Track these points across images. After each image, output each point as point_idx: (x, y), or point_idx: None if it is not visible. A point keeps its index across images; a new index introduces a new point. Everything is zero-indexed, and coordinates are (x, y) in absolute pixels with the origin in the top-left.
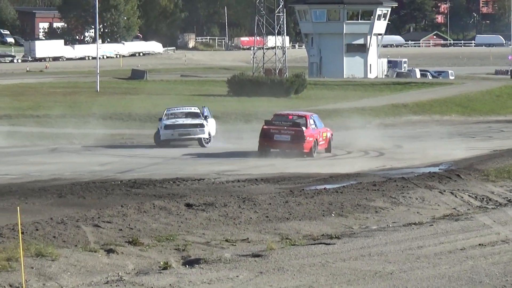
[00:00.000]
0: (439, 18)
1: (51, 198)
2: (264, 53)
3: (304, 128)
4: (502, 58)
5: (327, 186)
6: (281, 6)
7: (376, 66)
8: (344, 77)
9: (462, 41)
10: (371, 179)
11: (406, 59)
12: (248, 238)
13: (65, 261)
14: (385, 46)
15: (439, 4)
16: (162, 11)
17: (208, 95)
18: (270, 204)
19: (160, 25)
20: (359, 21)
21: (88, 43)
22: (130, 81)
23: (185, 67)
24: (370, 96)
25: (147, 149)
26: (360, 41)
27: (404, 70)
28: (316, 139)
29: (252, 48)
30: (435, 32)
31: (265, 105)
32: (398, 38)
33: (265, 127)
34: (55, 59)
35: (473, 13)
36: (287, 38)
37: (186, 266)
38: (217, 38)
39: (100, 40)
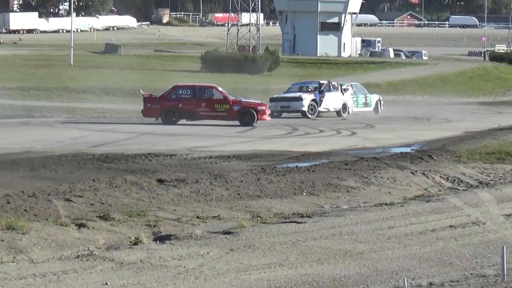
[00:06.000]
0: None
1: (23, 171)
2: (238, 30)
3: None
4: (475, 39)
5: (299, 165)
6: None
7: (350, 45)
8: (318, 55)
9: (436, 22)
10: (343, 158)
11: (380, 39)
12: (219, 215)
13: (36, 234)
14: (359, 25)
15: None
16: None
17: (182, 70)
18: (241, 181)
19: None
20: None
21: (62, 16)
22: (104, 55)
23: (159, 42)
24: (344, 75)
25: (119, 124)
26: (334, 19)
27: (378, 49)
28: None
29: (226, 25)
30: (409, 12)
31: (238, 82)
32: (372, 17)
33: None
34: (29, 31)
35: None
36: (261, 15)
37: (156, 242)
38: (191, 13)
39: (75, 13)
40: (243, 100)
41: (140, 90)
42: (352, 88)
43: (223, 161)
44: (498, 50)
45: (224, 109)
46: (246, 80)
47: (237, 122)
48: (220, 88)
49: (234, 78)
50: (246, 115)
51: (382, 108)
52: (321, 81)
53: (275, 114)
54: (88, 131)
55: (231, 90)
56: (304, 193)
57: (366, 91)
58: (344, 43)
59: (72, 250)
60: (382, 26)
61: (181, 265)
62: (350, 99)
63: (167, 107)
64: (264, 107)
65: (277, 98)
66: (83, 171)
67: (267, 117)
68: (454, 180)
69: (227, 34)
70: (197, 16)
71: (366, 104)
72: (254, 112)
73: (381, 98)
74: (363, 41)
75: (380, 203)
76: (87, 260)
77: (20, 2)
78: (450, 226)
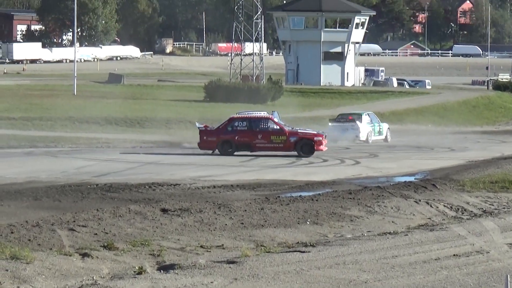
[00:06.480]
0: (417, 28)
1: (27, 201)
2: (241, 60)
3: None
4: (479, 68)
5: (303, 194)
6: (259, 12)
7: (353, 74)
8: (321, 84)
9: (440, 51)
10: (346, 187)
11: (383, 68)
12: (223, 245)
13: (40, 264)
14: (362, 54)
15: (417, 14)
16: (140, 15)
17: (185, 100)
18: (245, 210)
19: (138, 29)
20: (337, 29)
21: (65, 46)
22: (107, 85)
23: (162, 72)
24: (347, 104)
25: (123, 154)
26: (338, 49)
27: (381, 78)
28: None
29: (229, 54)
30: (412, 42)
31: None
32: (375, 47)
33: None
34: (33, 61)
35: (451, 23)
36: (264, 45)
37: (160, 272)
38: (194, 43)
39: (78, 43)
40: (299, 131)
41: (196, 123)
42: (369, 116)
43: (227, 191)
44: (502, 79)
45: (280, 140)
46: (250, 109)
47: (294, 153)
48: (276, 119)
49: (237, 107)
50: (305, 146)
51: (389, 136)
52: (266, 112)
53: None
54: (91, 160)
55: None
56: (308, 222)
57: (379, 120)
58: (347, 73)
59: (76, 279)
60: (386, 55)
61: None
62: (369, 127)
63: (223, 139)
64: (320, 138)
65: None
66: (87, 200)
67: (323, 147)
68: (458, 209)
69: (230, 63)
70: (201, 46)
71: (380, 133)
72: (312, 142)
73: (389, 127)
74: (366, 70)
75: (384, 232)
76: None
77: (24, 33)
78: (454, 255)
